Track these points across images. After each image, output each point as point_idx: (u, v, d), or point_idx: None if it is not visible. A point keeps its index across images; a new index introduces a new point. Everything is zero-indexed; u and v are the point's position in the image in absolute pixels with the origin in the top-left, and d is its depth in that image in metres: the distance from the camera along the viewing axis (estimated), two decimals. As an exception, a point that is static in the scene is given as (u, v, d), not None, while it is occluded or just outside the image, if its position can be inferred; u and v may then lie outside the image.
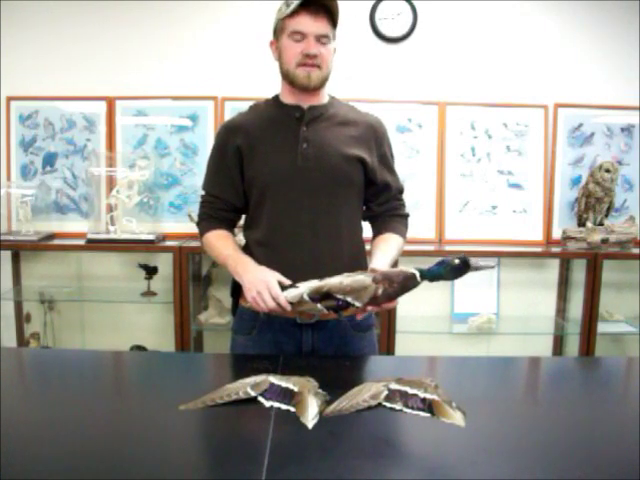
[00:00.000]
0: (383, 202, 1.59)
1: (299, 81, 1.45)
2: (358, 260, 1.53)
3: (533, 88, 2.71)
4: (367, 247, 1.59)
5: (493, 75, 2.71)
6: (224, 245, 1.52)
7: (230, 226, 1.59)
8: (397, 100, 2.68)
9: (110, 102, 2.68)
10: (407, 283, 1.25)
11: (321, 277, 1.35)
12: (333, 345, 1.52)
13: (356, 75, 2.67)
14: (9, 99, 2.68)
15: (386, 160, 1.59)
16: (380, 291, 1.25)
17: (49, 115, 2.69)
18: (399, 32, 2.67)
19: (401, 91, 2.70)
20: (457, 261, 1.22)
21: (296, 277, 1.39)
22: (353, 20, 2.65)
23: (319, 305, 1.28)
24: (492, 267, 1.27)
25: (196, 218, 1.64)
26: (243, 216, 1.63)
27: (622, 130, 2.71)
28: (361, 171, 1.51)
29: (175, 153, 2.70)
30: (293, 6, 1.39)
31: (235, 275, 1.45)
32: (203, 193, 1.60)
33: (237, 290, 1.57)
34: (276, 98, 1.56)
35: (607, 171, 2.57)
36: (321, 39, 1.42)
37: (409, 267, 1.27)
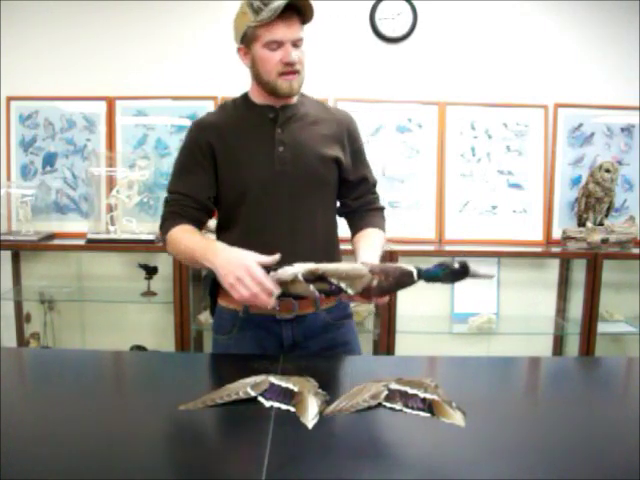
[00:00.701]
0: (358, 197, 1.59)
1: (282, 92, 1.42)
2: (333, 258, 1.52)
3: (533, 88, 2.71)
4: (342, 245, 1.60)
5: (493, 75, 2.71)
6: (189, 237, 1.41)
7: (197, 226, 1.48)
8: (397, 100, 2.68)
9: (110, 102, 2.68)
10: (403, 279, 1.23)
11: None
12: (315, 337, 1.51)
13: (356, 75, 2.67)
14: (9, 99, 2.68)
15: (360, 155, 1.59)
16: (375, 283, 1.23)
17: (49, 115, 2.69)
18: (399, 32, 2.67)
19: (401, 91, 2.70)
20: (457, 265, 1.20)
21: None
22: (353, 20, 2.65)
23: (311, 286, 1.24)
24: (491, 277, 1.24)
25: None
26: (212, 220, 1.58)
27: (622, 130, 2.71)
28: (336, 170, 1.52)
29: (175, 153, 2.69)
30: (267, 15, 1.33)
31: (205, 262, 1.32)
32: (167, 195, 1.51)
33: (215, 289, 1.56)
34: (245, 97, 1.53)
35: (607, 171, 2.57)
36: (296, 43, 1.39)
37: (408, 264, 1.27)
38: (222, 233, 1.55)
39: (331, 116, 1.55)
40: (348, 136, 1.54)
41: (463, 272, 1.20)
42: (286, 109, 1.49)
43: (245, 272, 1.23)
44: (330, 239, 1.56)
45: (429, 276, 1.23)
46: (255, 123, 1.48)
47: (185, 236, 1.42)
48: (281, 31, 1.36)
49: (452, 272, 1.21)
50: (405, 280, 1.23)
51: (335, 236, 1.58)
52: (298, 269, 1.25)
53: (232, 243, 1.47)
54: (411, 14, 2.65)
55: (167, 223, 1.47)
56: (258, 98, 1.50)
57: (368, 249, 1.45)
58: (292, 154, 1.46)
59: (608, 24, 2.68)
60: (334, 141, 1.51)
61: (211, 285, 1.56)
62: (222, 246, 1.34)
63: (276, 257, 1.26)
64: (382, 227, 1.58)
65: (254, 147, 1.46)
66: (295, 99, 1.51)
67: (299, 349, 1.51)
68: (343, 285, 1.23)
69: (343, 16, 2.63)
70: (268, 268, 1.27)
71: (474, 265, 1.20)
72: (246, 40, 1.41)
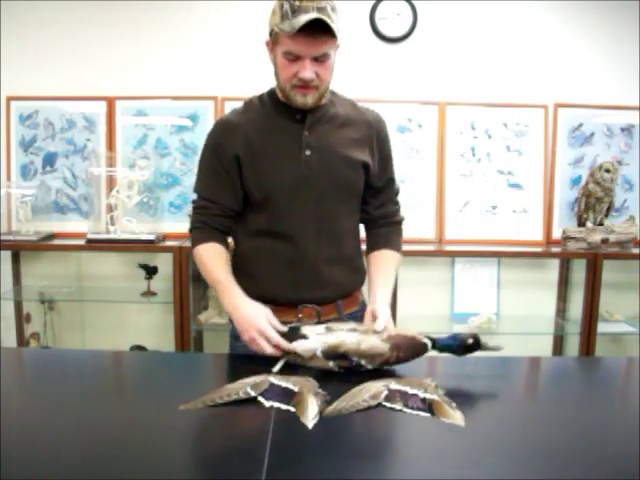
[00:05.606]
0: (380, 205, 1.56)
1: (295, 102, 1.38)
2: (356, 263, 1.54)
3: (533, 88, 2.71)
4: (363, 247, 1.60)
5: (493, 75, 2.71)
6: (214, 265, 1.44)
7: (225, 234, 1.51)
8: (397, 100, 2.68)
9: (110, 102, 2.68)
10: (418, 350, 1.31)
11: (319, 286, 1.44)
12: None
13: (356, 75, 2.67)
14: (9, 99, 2.68)
15: (389, 162, 1.56)
16: (393, 358, 1.28)
17: (49, 115, 2.69)
18: (399, 32, 2.67)
19: (401, 91, 2.70)
20: (471, 341, 1.30)
21: (295, 283, 1.40)
22: (353, 20, 2.65)
23: (331, 363, 1.27)
24: (500, 349, 1.33)
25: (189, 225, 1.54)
26: None
27: (622, 130, 2.71)
28: (363, 175, 1.48)
29: (175, 153, 2.70)
30: (288, 29, 1.28)
31: (223, 306, 1.41)
32: (195, 197, 1.52)
33: None
34: (272, 94, 1.47)
35: (607, 171, 2.57)
36: (319, 58, 1.33)
37: (422, 335, 1.31)
38: (247, 237, 1.50)
39: (362, 117, 1.50)
40: (378, 140, 1.51)
41: (475, 346, 1.30)
42: (315, 110, 1.43)
43: (258, 335, 1.29)
44: (355, 244, 1.54)
45: (443, 346, 1.32)
46: (282, 125, 1.44)
47: (210, 263, 1.44)
48: (300, 46, 1.31)
49: (466, 347, 1.31)
50: (420, 350, 1.31)
51: (358, 239, 1.57)
52: (317, 345, 1.26)
53: (257, 248, 1.47)
54: (411, 14, 2.65)
55: (196, 234, 1.49)
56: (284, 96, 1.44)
57: (382, 285, 1.45)
58: (319, 158, 1.42)
59: (608, 24, 2.68)
60: (363, 145, 1.47)
61: None
62: (239, 299, 1.37)
63: (285, 329, 1.31)
64: (399, 248, 1.56)
65: (280, 151, 1.42)
66: (325, 99, 1.45)
67: None
68: (363, 362, 1.27)
69: (343, 16, 2.63)
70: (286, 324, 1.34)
71: (484, 339, 1.33)
72: (272, 38, 1.38)
